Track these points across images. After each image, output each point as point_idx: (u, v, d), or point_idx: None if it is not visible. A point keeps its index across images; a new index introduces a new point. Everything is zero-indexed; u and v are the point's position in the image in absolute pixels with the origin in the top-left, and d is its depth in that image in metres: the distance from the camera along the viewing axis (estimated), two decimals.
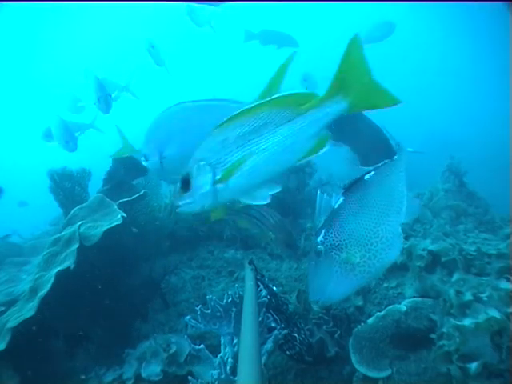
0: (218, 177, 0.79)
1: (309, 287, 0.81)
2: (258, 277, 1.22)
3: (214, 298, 1.23)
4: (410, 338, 1.26)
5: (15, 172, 7.50)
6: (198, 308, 1.23)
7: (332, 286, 0.77)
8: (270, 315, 1.23)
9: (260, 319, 1.21)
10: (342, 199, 0.82)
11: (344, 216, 0.80)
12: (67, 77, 10.10)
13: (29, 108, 9.68)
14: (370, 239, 0.79)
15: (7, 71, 9.19)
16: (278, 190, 0.82)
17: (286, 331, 1.22)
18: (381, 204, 0.83)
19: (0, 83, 9.22)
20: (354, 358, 1.25)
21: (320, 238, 0.79)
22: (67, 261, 1.48)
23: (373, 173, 0.85)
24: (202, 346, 1.24)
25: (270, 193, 0.83)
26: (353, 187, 0.83)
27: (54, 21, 8.81)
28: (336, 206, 0.82)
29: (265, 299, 1.22)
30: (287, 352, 1.25)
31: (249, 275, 1.09)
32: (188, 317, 1.26)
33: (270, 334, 1.21)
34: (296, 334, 1.26)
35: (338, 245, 0.78)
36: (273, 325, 1.22)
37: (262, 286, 1.25)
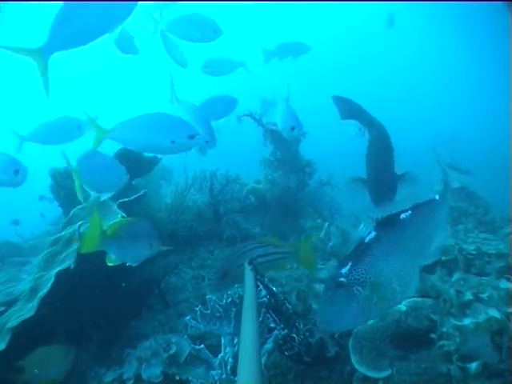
0: None
1: (319, 314, 0.79)
2: (258, 277, 1.22)
3: (214, 298, 1.22)
4: (410, 338, 1.26)
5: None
6: (197, 308, 1.23)
7: (345, 320, 0.75)
8: (269, 315, 1.23)
9: (260, 319, 1.22)
10: (374, 234, 0.78)
11: (375, 254, 0.76)
12: (68, 76, 10.10)
13: (31, 107, 9.70)
14: (393, 281, 0.77)
15: (10, 70, 9.20)
16: None
17: (285, 331, 1.22)
18: (413, 249, 0.79)
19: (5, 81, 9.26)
20: (354, 358, 1.25)
21: (345, 270, 0.75)
22: (67, 261, 1.48)
23: (410, 212, 0.80)
24: (202, 346, 1.24)
25: None
26: (387, 224, 0.78)
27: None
28: (366, 240, 0.78)
29: (264, 299, 1.22)
30: (286, 353, 1.25)
31: (249, 275, 1.09)
32: (188, 317, 1.26)
33: (270, 334, 1.21)
34: (295, 335, 1.26)
35: (363, 282, 0.74)
36: (272, 325, 1.22)
37: (261, 286, 1.25)
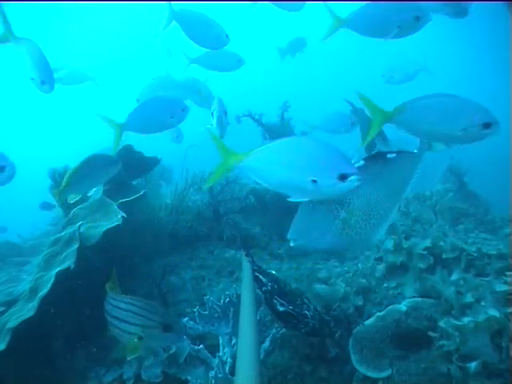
0: None
1: (293, 224, 0.84)
2: (256, 268, 1.22)
3: (212, 298, 1.23)
4: (410, 338, 1.26)
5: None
6: (195, 309, 1.24)
7: (316, 234, 0.81)
8: (276, 301, 1.22)
9: (258, 318, 1.22)
10: (362, 163, 0.85)
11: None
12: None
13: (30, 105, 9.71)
14: (369, 210, 0.82)
15: (8, 69, 9.21)
16: None
17: (297, 311, 1.22)
18: (392, 186, 0.86)
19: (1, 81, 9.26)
20: (354, 358, 1.25)
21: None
22: (67, 261, 1.48)
23: (395, 154, 0.88)
24: (201, 346, 1.25)
25: None
26: (375, 158, 0.86)
27: (54, 20, 8.82)
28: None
29: (263, 295, 1.22)
30: (303, 330, 1.25)
31: (246, 269, 1.08)
32: (186, 318, 1.26)
33: (267, 333, 1.21)
34: (306, 311, 1.25)
35: (342, 200, 0.81)
36: (281, 309, 1.22)
37: (262, 276, 1.25)
